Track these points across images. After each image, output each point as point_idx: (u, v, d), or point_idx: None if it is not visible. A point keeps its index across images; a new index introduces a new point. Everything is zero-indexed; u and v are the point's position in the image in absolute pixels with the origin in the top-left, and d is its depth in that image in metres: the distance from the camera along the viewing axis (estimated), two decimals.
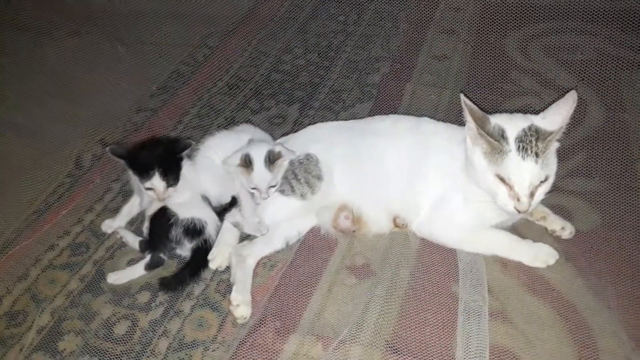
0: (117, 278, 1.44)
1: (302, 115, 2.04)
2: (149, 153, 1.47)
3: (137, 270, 1.45)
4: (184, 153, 1.50)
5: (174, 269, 1.48)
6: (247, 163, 1.46)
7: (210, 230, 1.48)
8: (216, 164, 1.57)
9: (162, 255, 1.45)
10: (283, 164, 1.50)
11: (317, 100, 2.12)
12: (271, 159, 1.46)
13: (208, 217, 1.49)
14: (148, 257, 1.45)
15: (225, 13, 2.65)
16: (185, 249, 1.47)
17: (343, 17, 2.65)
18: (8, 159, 1.89)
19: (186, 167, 1.53)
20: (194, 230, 1.46)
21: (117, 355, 1.29)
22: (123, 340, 1.32)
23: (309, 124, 1.76)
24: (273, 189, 1.49)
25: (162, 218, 1.46)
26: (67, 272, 1.49)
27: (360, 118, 1.81)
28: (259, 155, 1.46)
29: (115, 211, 1.65)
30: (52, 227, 1.62)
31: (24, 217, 1.65)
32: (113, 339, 1.33)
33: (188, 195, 1.51)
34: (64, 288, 1.45)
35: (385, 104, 2.05)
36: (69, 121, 2.05)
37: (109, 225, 1.60)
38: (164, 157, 1.47)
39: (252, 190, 1.49)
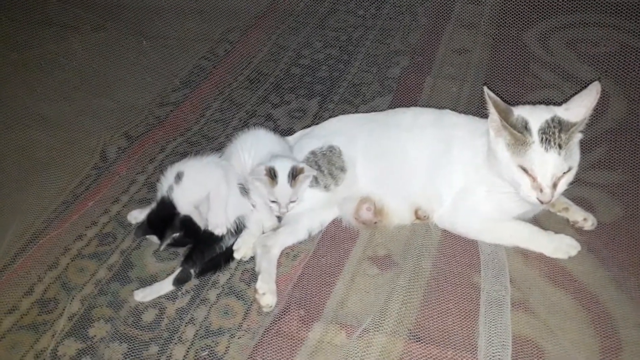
0: (144, 295, 1.42)
1: (322, 109, 2.06)
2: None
3: (165, 286, 1.43)
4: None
5: None
6: (272, 175, 1.46)
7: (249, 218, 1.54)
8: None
9: (192, 270, 1.45)
10: (305, 181, 1.50)
11: (337, 94, 2.14)
12: (294, 174, 1.46)
13: (243, 207, 1.53)
14: (177, 271, 1.44)
15: (245, 7, 2.68)
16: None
17: (362, 11, 2.67)
18: (35, 150, 1.94)
19: (215, 169, 1.55)
20: (239, 229, 1.51)
21: (145, 341, 1.32)
22: (151, 327, 1.36)
23: (329, 118, 1.77)
24: (293, 204, 1.50)
25: (212, 237, 1.49)
26: (95, 261, 1.53)
27: (380, 111, 1.82)
28: (283, 170, 1.46)
29: (140, 202, 1.70)
30: (80, 218, 1.66)
31: (52, 208, 1.69)
32: (141, 326, 1.36)
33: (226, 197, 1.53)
34: (92, 277, 1.49)
35: (405, 97, 2.06)
36: (94, 114, 2.09)
37: (135, 217, 1.63)
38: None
39: (272, 204, 1.50)
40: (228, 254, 1.49)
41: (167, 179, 1.54)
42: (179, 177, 1.52)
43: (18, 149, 1.94)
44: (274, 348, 1.28)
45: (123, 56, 2.41)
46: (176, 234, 1.47)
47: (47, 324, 1.37)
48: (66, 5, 2.69)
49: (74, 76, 2.29)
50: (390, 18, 2.59)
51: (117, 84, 2.25)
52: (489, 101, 1.31)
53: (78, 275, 1.49)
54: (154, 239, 1.52)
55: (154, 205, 1.54)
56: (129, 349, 1.31)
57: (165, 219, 1.48)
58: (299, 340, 1.29)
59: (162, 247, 1.48)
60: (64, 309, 1.40)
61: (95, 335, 1.34)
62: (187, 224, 1.49)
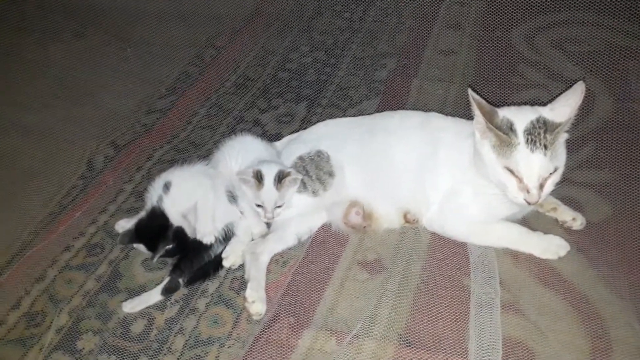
0: (133, 306, 1.40)
1: (309, 113, 2.05)
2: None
3: (153, 296, 1.42)
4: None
5: None
6: (258, 178, 1.45)
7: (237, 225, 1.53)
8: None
9: (180, 280, 1.44)
10: (291, 185, 1.49)
11: (325, 97, 2.13)
12: (280, 178, 1.45)
13: (231, 214, 1.52)
14: (166, 281, 1.43)
15: (231, 12, 2.66)
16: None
17: (348, 14, 2.66)
18: (18, 160, 1.91)
19: (202, 177, 1.55)
20: (227, 237, 1.51)
21: (134, 353, 1.31)
22: (140, 338, 1.34)
23: (317, 122, 1.77)
24: (279, 210, 1.49)
25: (201, 245, 1.48)
26: (83, 273, 1.51)
27: (368, 114, 1.82)
28: (269, 173, 1.46)
29: (128, 211, 1.68)
30: (67, 229, 1.64)
31: (39, 219, 1.67)
32: (130, 338, 1.34)
33: (214, 204, 1.52)
34: (80, 288, 1.47)
35: (392, 99, 2.06)
36: (78, 123, 2.07)
37: (122, 226, 1.61)
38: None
39: (257, 208, 1.48)
40: (217, 262, 1.48)
41: (155, 189, 1.53)
42: (167, 187, 1.51)
43: (1, 159, 1.91)
44: (264, 356, 1.27)
45: (106, 63, 2.38)
46: (169, 246, 1.46)
47: (34, 338, 1.35)
48: (46, 12, 2.66)
49: (55, 84, 2.26)
50: (376, 20, 2.59)
51: (102, 92, 2.22)
52: (474, 103, 1.31)
53: (66, 287, 1.48)
54: (141, 247, 1.50)
55: (142, 214, 1.53)
56: None
57: (157, 230, 1.47)
58: (289, 348, 1.28)
59: (155, 259, 1.46)
60: (51, 322, 1.38)
61: (83, 348, 1.33)
62: (180, 235, 1.48)
